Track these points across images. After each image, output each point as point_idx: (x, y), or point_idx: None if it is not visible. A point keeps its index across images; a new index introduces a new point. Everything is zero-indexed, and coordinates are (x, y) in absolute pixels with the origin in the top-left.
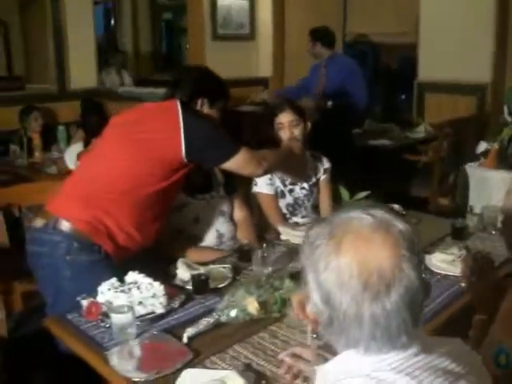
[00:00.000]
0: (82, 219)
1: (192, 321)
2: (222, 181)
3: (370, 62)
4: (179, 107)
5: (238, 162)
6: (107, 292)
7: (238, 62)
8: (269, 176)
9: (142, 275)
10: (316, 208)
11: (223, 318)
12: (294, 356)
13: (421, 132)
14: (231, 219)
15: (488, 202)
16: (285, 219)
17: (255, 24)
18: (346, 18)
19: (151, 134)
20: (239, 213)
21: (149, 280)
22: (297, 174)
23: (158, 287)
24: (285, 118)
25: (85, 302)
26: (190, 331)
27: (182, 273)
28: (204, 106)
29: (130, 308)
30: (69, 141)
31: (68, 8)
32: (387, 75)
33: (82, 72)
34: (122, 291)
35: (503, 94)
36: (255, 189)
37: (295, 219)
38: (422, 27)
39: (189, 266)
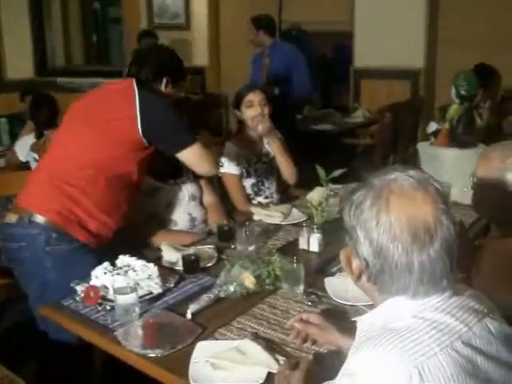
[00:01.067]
0: (54, 210)
1: (188, 299)
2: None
3: (306, 50)
4: (135, 86)
5: (192, 156)
6: (103, 276)
7: (174, 51)
8: (234, 156)
9: (133, 258)
10: (277, 185)
11: (222, 293)
12: (302, 321)
13: (359, 117)
14: (201, 203)
15: (440, 178)
16: (249, 199)
17: (190, 13)
18: (281, 7)
19: (109, 114)
20: (208, 197)
21: (142, 262)
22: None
23: (152, 268)
24: (255, 97)
25: (80, 288)
26: (193, 307)
27: (169, 255)
28: (168, 85)
29: (134, 289)
30: (12, 133)
31: None
32: (323, 63)
33: (19, 62)
34: (119, 274)
35: (435, 79)
36: (221, 169)
37: (259, 199)
38: (356, 16)
39: (174, 248)
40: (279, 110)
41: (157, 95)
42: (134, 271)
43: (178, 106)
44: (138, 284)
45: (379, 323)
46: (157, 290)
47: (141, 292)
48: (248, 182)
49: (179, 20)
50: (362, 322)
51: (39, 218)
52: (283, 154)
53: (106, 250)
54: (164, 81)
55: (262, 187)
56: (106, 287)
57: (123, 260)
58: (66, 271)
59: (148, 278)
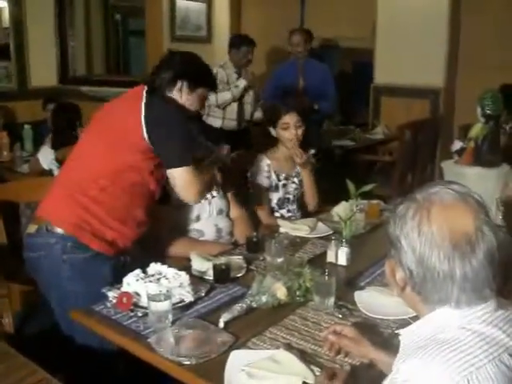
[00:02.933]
0: (69, 220)
1: (220, 308)
2: (221, 181)
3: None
4: (144, 92)
5: (179, 178)
6: (135, 283)
7: (197, 56)
8: (266, 169)
9: (164, 266)
10: (299, 202)
11: (254, 304)
12: (335, 333)
13: (379, 134)
14: (228, 216)
15: None
16: (272, 212)
17: (212, 26)
18: (303, 22)
19: (118, 123)
20: (235, 210)
21: (174, 270)
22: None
23: (184, 276)
24: (291, 119)
25: (111, 294)
26: (225, 316)
27: (199, 264)
28: (183, 90)
29: (168, 296)
30: (35, 140)
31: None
32: (343, 79)
33: (43, 70)
34: (151, 281)
35: (454, 98)
36: (251, 180)
37: (282, 212)
38: (378, 33)
39: (203, 258)
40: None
41: (164, 102)
42: (166, 279)
43: (191, 118)
44: (170, 292)
45: (426, 334)
46: (188, 298)
47: (172, 300)
48: (275, 196)
49: (201, 33)
50: (408, 333)
51: (56, 228)
52: (311, 183)
53: (128, 260)
54: (178, 85)
55: (287, 203)
56: (138, 294)
57: (154, 268)
58: (82, 279)
59: (179, 286)
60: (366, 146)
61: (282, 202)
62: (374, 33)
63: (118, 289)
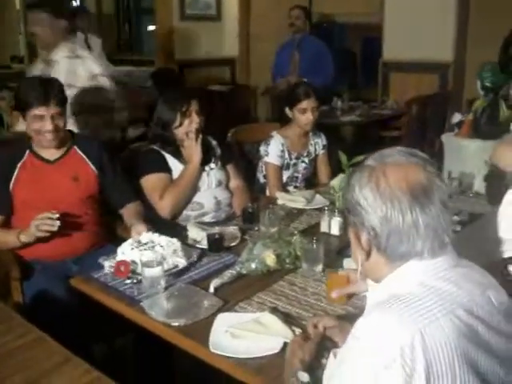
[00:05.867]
0: None
1: (212, 275)
2: (219, 153)
3: (336, 42)
4: None
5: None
6: (130, 251)
7: (206, 42)
8: (280, 148)
9: (156, 234)
10: (308, 181)
11: (244, 270)
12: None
13: (388, 109)
14: (227, 187)
15: (463, 169)
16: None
17: (222, 4)
18: None
19: None
20: (234, 180)
21: (166, 238)
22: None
23: (177, 243)
24: (309, 104)
25: (107, 263)
26: (215, 282)
27: (194, 234)
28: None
29: (159, 262)
30: None
31: None
32: (352, 55)
33: None
34: (146, 249)
35: (464, 72)
36: (266, 159)
37: (289, 188)
38: (386, 8)
39: (199, 228)
40: None
41: None
42: (161, 246)
43: None
44: (165, 258)
45: (386, 293)
46: (182, 263)
47: (167, 266)
48: (285, 174)
49: (211, 11)
50: (371, 294)
51: None
52: (326, 164)
53: None
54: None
55: (295, 181)
56: (134, 262)
57: (147, 236)
58: None
59: (173, 253)
60: (374, 121)
61: (290, 180)
62: (383, 8)
63: (114, 258)
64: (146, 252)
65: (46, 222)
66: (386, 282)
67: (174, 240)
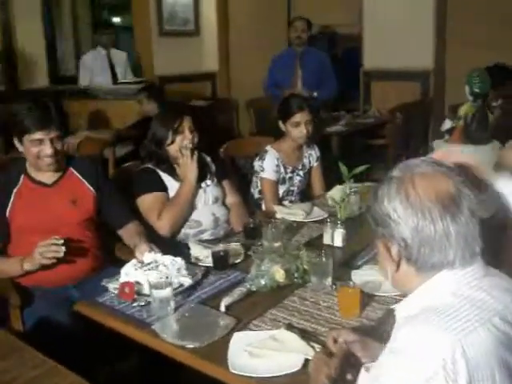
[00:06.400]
0: None
1: (220, 293)
2: (214, 169)
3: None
4: None
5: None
6: (133, 272)
7: (185, 57)
8: (276, 163)
9: (159, 254)
10: (303, 194)
11: (253, 287)
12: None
13: (370, 118)
14: (224, 204)
15: None
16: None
17: (200, 19)
18: (290, 10)
19: None
20: (231, 198)
21: (170, 257)
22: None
23: (180, 262)
24: (303, 117)
25: (111, 285)
26: (226, 300)
27: (197, 252)
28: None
29: (169, 283)
30: None
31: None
32: (333, 65)
33: (33, 71)
34: (150, 269)
35: (444, 79)
36: (262, 174)
37: (285, 203)
38: (364, 18)
39: (201, 246)
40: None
41: None
42: (165, 266)
43: None
44: (169, 278)
45: (419, 304)
46: (187, 282)
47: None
48: (281, 189)
49: (189, 26)
50: (402, 307)
51: None
52: (320, 176)
53: None
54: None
55: (290, 195)
56: (138, 283)
57: (149, 256)
58: None
59: (177, 272)
60: (358, 130)
61: (286, 194)
62: (361, 18)
63: (117, 280)
64: (150, 272)
65: (51, 248)
66: (417, 293)
67: (178, 259)
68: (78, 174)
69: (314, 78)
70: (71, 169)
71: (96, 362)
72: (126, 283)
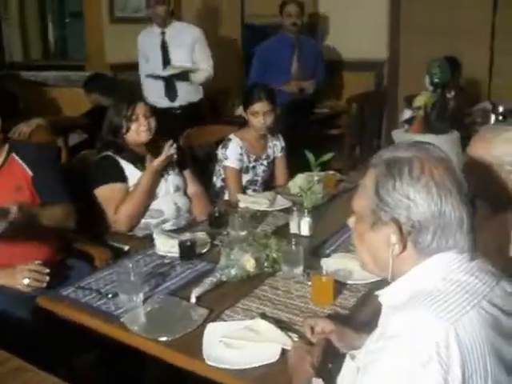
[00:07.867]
0: None
1: (189, 284)
2: (176, 158)
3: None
4: None
5: None
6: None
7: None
8: (239, 151)
9: None
10: (266, 184)
11: (224, 277)
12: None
13: (326, 108)
14: (185, 194)
15: None
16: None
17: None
18: (243, 2)
19: None
20: (192, 187)
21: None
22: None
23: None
24: (260, 108)
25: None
26: (196, 291)
27: (163, 242)
28: None
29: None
30: None
31: None
32: None
33: None
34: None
35: (398, 70)
36: (225, 163)
37: (248, 192)
38: (320, 9)
39: (167, 236)
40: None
41: None
42: None
43: None
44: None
45: (408, 290)
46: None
47: None
48: (244, 178)
49: (141, 13)
50: (389, 293)
51: None
52: (284, 167)
53: None
54: None
55: (254, 185)
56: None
57: None
58: None
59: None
60: (314, 120)
61: (249, 183)
62: (316, 8)
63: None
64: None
65: (36, 277)
66: (406, 278)
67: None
68: (18, 159)
69: (309, 66)
70: (13, 155)
71: (56, 357)
72: None
